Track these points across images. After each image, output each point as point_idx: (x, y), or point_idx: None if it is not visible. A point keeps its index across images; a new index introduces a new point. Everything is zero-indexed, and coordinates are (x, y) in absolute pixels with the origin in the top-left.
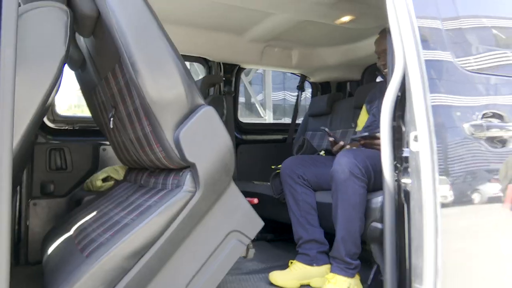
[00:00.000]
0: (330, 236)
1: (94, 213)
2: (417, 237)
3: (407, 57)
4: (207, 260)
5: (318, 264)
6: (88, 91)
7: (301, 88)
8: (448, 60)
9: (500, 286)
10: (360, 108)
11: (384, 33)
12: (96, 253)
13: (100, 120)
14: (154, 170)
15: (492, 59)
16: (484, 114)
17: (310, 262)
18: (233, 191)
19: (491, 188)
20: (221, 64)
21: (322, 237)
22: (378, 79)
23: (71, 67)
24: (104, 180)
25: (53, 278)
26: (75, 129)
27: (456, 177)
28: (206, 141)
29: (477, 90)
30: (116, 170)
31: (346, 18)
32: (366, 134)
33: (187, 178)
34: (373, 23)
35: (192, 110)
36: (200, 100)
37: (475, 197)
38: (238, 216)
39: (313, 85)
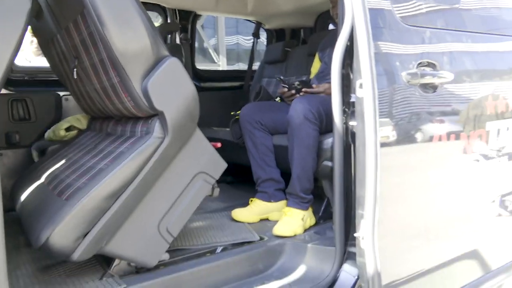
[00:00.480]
0: (285, 175)
1: (63, 161)
2: (361, 171)
3: (354, 9)
4: (177, 199)
5: (275, 200)
6: (46, 41)
7: (256, 35)
8: (387, 9)
9: (426, 209)
10: (314, 55)
11: None
12: (76, 196)
13: (60, 70)
14: (120, 119)
15: (425, 7)
16: (419, 63)
17: (268, 199)
18: (198, 136)
19: (423, 129)
20: (177, 11)
21: (278, 176)
22: (330, 26)
23: None
24: (67, 129)
25: (35, 221)
26: (35, 80)
27: (394, 120)
28: (172, 90)
29: (413, 42)
30: (78, 120)
31: None
32: (305, 79)
33: (156, 125)
34: None
35: (158, 61)
36: (165, 51)
37: (409, 137)
38: (204, 159)
39: (268, 32)
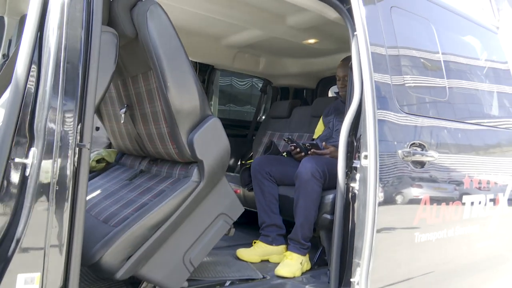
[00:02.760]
0: (286, 222)
1: (99, 191)
2: (360, 226)
3: (363, 95)
4: (201, 234)
5: (277, 244)
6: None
7: (264, 91)
8: (390, 99)
9: (410, 262)
10: (316, 116)
11: (346, 62)
12: (124, 224)
13: (102, 108)
14: (155, 160)
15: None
16: (412, 144)
17: (270, 242)
18: (224, 182)
19: (412, 196)
20: (197, 64)
21: (281, 223)
22: (330, 94)
23: None
24: (97, 161)
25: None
26: None
27: (390, 186)
28: (212, 143)
29: (408, 126)
30: (109, 154)
31: (311, 40)
32: (314, 142)
33: (195, 171)
34: (333, 45)
35: (204, 118)
36: (209, 111)
37: (400, 201)
38: (226, 202)
39: (274, 88)
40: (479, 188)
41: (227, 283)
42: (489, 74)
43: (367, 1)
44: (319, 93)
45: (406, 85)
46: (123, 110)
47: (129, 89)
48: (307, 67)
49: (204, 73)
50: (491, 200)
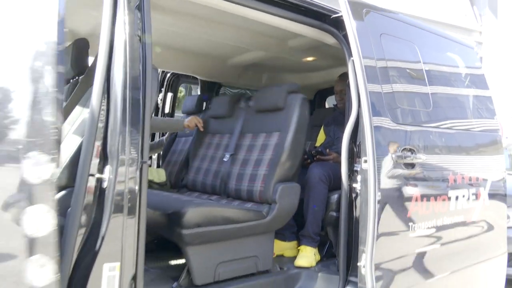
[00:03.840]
0: (296, 221)
1: None
2: (363, 219)
3: (361, 109)
4: (237, 259)
5: (289, 240)
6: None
7: None
8: (385, 120)
9: (407, 248)
10: (316, 126)
11: (342, 78)
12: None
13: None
14: (228, 197)
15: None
16: (403, 149)
17: (284, 239)
18: (272, 236)
19: (405, 193)
20: (205, 82)
21: (293, 222)
22: (327, 105)
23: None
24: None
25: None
26: None
27: (387, 185)
28: (290, 197)
29: (399, 134)
30: (157, 173)
31: (310, 58)
32: (319, 150)
33: (266, 207)
34: (329, 62)
35: (293, 179)
36: (296, 178)
37: (396, 198)
38: (264, 250)
39: None
40: (462, 184)
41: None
42: (466, 84)
43: (360, 29)
44: (316, 103)
45: (396, 99)
46: (229, 154)
47: (244, 141)
48: (305, 81)
49: (212, 90)
50: (473, 194)
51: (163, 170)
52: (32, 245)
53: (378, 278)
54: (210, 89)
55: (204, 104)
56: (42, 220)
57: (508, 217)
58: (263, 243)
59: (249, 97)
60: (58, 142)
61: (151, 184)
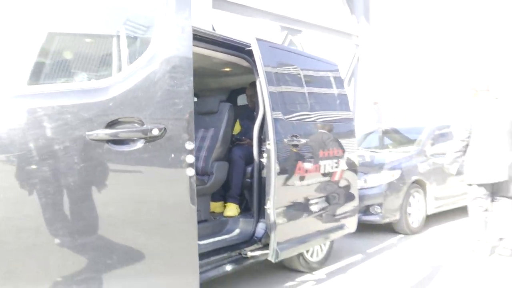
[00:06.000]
0: (223, 188)
1: None
2: (268, 180)
3: (266, 109)
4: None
5: (219, 201)
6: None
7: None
8: (281, 119)
9: (293, 193)
10: (234, 119)
11: (252, 85)
12: None
13: None
14: None
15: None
16: (292, 135)
17: (214, 200)
18: None
19: (292, 163)
20: None
21: (221, 188)
22: (239, 102)
23: None
24: None
25: None
26: None
27: (282, 159)
28: (221, 168)
29: (287, 125)
30: None
31: (227, 69)
32: (238, 137)
33: (205, 178)
34: (241, 71)
35: (224, 157)
36: (226, 154)
37: (287, 166)
38: None
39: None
40: (328, 156)
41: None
42: (330, 88)
43: (264, 56)
44: (231, 101)
45: (286, 100)
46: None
47: None
48: (223, 84)
49: None
50: (335, 163)
51: None
52: None
53: (277, 215)
54: None
55: None
56: None
57: (366, 181)
58: (204, 201)
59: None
60: None
61: None
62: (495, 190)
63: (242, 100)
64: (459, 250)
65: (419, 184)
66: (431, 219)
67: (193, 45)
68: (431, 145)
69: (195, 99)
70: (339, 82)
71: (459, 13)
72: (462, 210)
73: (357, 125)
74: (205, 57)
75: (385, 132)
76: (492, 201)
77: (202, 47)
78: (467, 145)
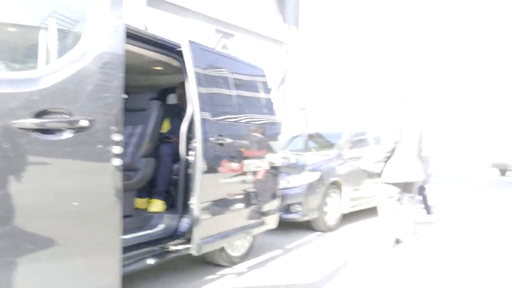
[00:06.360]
0: (149, 184)
1: None
2: (193, 177)
3: (194, 109)
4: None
5: (144, 197)
6: None
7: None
8: (210, 119)
9: (219, 195)
10: (163, 117)
11: (182, 85)
12: None
13: None
14: None
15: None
16: (218, 134)
17: (140, 196)
18: None
19: (218, 161)
20: None
21: (147, 185)
22: (168, 101)
23: None
24: None
25: None
26: None
27: (208, 157)
28: (148, 165)
29: (214, 126)
30: None
31: (159, 68)
32: (166, 135)
33: (132, 174)
34: (171, 71)
35: (151, 154)
36: (153, 151)
37: (213, 164)
38: None
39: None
40: (253, 156)
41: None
42: (257, 92)
43: (194, 58)
44: (161, 99)
45: (214, 102)
46: None
47: None
48: (153, 82)
49: None
50: (259, 162)
51: None
52: None
53: (201, 210)
54: None
55: None
56: None
57: (289, 181)
58: (129, 197)
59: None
60: None
61: None
62: (403, 190)
63: (172, 99)
64: (368, 246)
65: (336, 185)
66: (346, 217)
67: (126, 43)
68: (348, 149)
69: (126, 96)
70: (266, 87)
71: (385, 24)
72: (373, 211)
73: (285, 129)
74: (137, 55)
75: (310, 136)
76: (399, 199)
77: (134, 45)
78: (394, 148)
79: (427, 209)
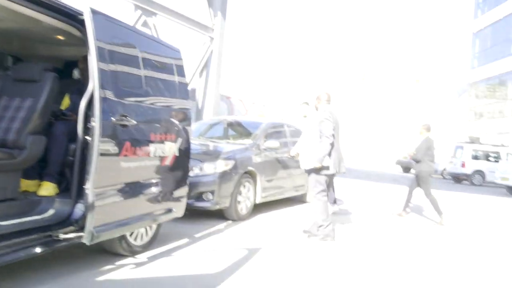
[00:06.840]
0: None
1: None
2: (90, 160)
3: (94, 85)
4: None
5: (33, 179)
6: None
7: None
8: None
9: (117, 176)
10: (63, 92)
11: (84, 59)
12: None
13: None
14: None
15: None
16: (121, 114)
17: (28, 178)
18: None
19: (119, 143)
20: None
21: (36, 165)
22: (75, 75)
23: None
24: None
25: None
26: None
27: (107, 138)
28: (38, 143)
29: (118, 106)
30: None
31: (60, 37)
32: (64, 112)
33: (16, 152)
34: (76, 42)
35: (41, 131)
36: (44, 127)
37: (112, 146)
38: None
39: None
40: (160, 140)
41: None
42: (170, 74)
43: (96, 28)
44: (64, 72)
45: (118, 80)
46: None
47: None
48: (56, 52)
49: None
50: (167, 148)
51: None
52: None
53: (97, 195)
54: None
55: None
56: None
57: (201, 168)
58: (12, 177)
59: (7, 67)
60: None
61: None
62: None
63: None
64: (279, 235)
65: (250, 174)
66: (258, 207)
67: (18, 4)
68: (264, 140)
69: (14, 64)
70: (180, 70)
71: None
72: (285, 201)
73: (206, 115)
74: (32, 19)
75: (229, 124)
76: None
77: (28, 7)
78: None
79: (333, 199)
